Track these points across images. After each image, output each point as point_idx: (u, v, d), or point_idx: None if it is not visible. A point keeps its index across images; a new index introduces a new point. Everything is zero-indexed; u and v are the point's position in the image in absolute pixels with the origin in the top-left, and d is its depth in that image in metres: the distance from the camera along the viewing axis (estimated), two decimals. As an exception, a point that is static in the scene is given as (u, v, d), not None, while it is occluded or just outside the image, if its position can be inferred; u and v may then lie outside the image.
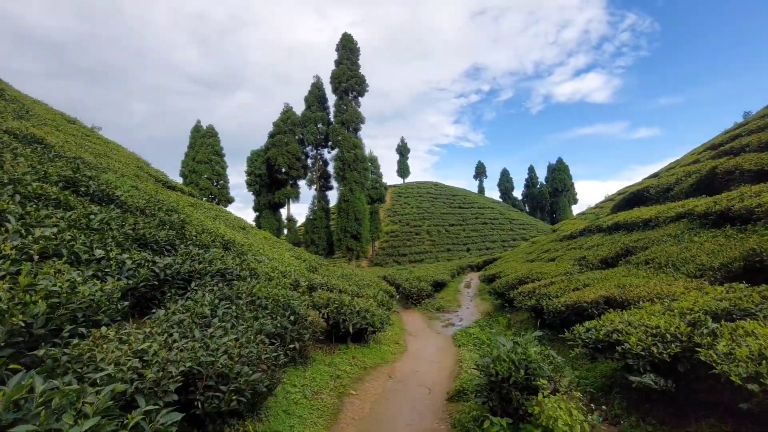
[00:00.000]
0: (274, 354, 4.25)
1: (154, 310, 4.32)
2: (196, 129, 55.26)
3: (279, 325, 5.13)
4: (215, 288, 5.37)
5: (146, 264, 5.02)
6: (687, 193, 14.23)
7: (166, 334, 3.54)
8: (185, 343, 3.44)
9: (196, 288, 5.22)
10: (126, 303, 4.00)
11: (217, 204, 52.68)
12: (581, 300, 6.86)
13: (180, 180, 53.39)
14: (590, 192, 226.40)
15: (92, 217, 5.60)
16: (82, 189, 7.02)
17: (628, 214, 14.54)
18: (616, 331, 4.64)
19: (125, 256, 4.91)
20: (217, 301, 4.84)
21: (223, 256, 7.99)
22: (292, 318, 5.59)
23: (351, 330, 7.30)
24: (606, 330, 4.75)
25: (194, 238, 8.31)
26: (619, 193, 38.08)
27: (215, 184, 52.57)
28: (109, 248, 4.89)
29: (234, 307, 4.86)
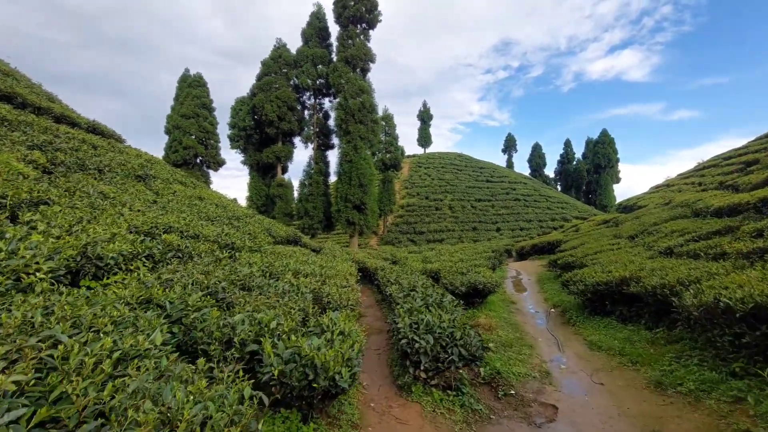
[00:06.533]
0: None
1: None
2: (183, 79, 45.11)
3: None
4: None
5: None
6: None
7: None
8: None
9: None
10: None
11: (207, 168, 43.10)
12: None
13: (165, 137, 43.90)
14: (624, 175, 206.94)
15: None
16: None
17: None
18: None
19: None
20: None
21: None
22: None
23: None
24: None
25: None
26: (714, 158, 25.85)
27: (202, 143, 42.72)
28: None
29: None
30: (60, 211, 6.23)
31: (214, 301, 4.66)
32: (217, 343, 3.73)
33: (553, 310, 10.25)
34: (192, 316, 4.11)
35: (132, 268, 5.35)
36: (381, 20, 32.55)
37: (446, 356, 4.61)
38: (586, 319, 8.43)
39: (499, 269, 18.01)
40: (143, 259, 5.73)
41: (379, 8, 32.30)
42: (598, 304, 8.46)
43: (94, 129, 16.15)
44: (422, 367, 4.64)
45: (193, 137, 41.51)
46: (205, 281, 5.13)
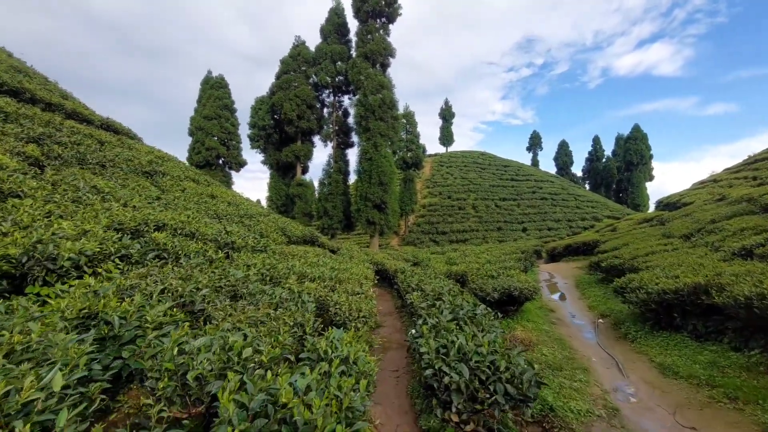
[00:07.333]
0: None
1: None
2: (206, 81, 45.26)
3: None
4: None
5: None
6: None
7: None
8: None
9: None
10: None
11: (229, 169, 43.03)
12: None
13: (188, 139, 44.21)
14: (655, 173, 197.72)
15: None
16: None
17: None
18: None
19: None
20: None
21: None
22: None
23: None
24: None
25: None
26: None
27: (224, 144, 42.70)
28: None
29: None
30: (30, 205, 5.41)
31: (184, 315, 3.61)
32: (167, 378, 2.65)
33: (601, 320, 8.78)
34: (149, 337, 3.06)
35: (100, 270, 4.38)
36: (401, 14, 31.39)
37: (487, 395, 3.38)
38: (649, 335, 6.96)
39: (530, 272, 16.47)
40: (116, 260, 4.77)
41: (399, 1, 31.18)
42: (664, 316, 6.96)
43: (108, 126, 15.73)
44: (454, 409, 3.43)
45: (215, 138, 41.49)
46: (181, 288, 4.09)
